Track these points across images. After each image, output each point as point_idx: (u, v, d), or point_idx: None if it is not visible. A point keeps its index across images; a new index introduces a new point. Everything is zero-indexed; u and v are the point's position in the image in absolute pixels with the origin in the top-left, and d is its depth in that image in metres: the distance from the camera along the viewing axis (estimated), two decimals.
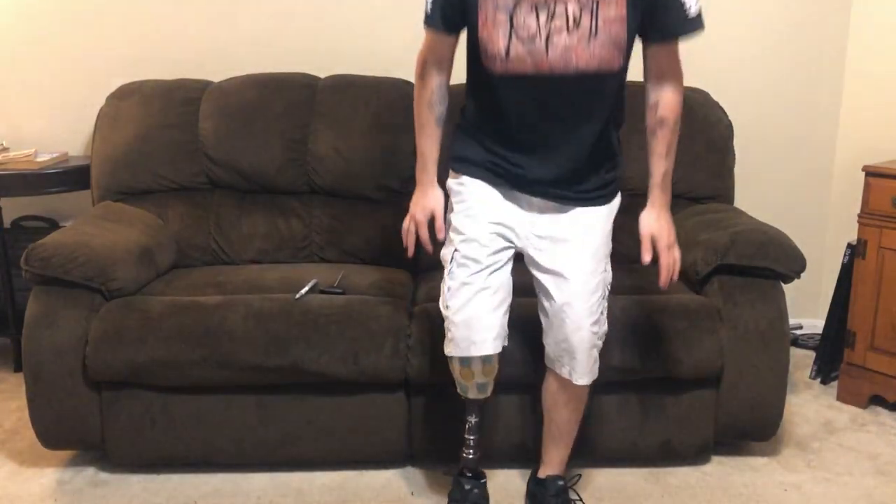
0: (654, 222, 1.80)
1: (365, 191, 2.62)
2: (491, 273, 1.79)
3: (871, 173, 2.50)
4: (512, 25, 1.62)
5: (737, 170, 2.74)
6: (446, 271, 1.83)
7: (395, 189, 2.60)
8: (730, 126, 2.72)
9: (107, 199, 2.61)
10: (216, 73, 2.74)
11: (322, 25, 2.87)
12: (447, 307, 1.81)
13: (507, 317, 1.83)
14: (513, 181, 1.81)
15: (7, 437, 2.40)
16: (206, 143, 2.61)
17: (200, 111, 2.63)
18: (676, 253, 1.82)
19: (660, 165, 1.78)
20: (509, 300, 1.84)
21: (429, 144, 1.87)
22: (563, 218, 1.81)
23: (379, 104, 2.61)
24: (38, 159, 2.71)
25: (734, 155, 2.73)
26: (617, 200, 1.88)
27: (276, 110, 2.61)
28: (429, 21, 1.74)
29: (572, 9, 1.60)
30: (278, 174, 2.61)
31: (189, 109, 2.63)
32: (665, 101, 1.74)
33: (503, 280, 1.82)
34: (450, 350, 1.83)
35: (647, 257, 1.79)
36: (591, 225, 1.82)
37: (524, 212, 1.83)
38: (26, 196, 2.84)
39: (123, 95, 2.67)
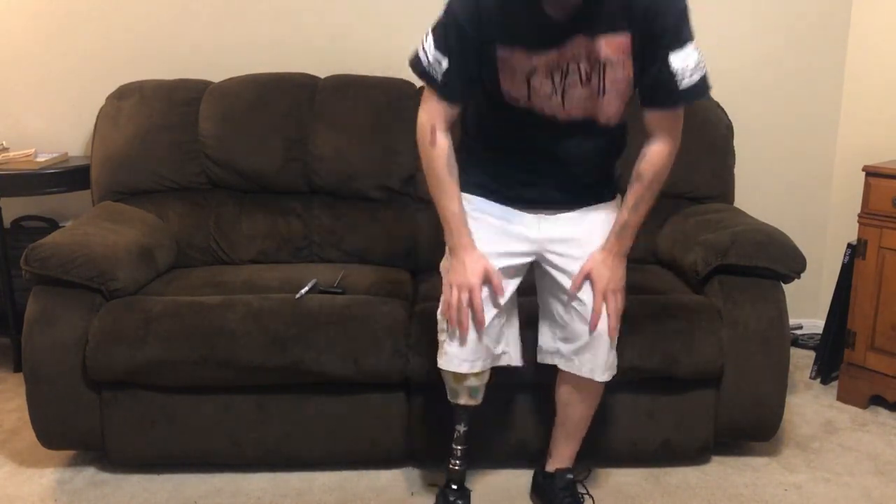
0: (599, 264, 1.79)
1: (365, 191, 2.62)
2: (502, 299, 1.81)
3: (871, 173, 2.50)
4: (529, 87, 1.66)
5: (737, 170, 2.75)
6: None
7: (395, 189, 2.61)
8: (730, 126, 2.72)
9: (107, 199, 2.61)
10: (216, 73, 2.73)
11: (322, 25, 2.87)
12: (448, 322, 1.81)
13: (515, 329, 1.90)
14: (513, 200, 1.84)
15: (7, 437, 2.40)
16: (206, 143, 2.61)
17: (200, 111, 2.63)
18: (616, 302, 1.79)
19: (622, 215, 1.78)
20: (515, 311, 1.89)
21: (456, 205, 1.77)
22: (571, 217, 1.85)
23: (379, 104, 2.61)
24: (38, 159, 2.71)
25: (734, 155, 2.73)
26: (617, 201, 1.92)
27: (276, 110, 2.61)
28: (444, 92, 1.69)
29: (584, 68, 1.63)
30: (278, 174, 2.61)
31: (189, 109, 2.63)
32: (648, 157, 1.73)
33: (511, 299, 1.86)
34: (442, 363, 1.84)
35: (573, 288, 1.79)
36: (598, 218, 1.86)
37: (531, 216, 1.85)
38: (26, 196, 2.84)
39: (123, 95, 2.67)
